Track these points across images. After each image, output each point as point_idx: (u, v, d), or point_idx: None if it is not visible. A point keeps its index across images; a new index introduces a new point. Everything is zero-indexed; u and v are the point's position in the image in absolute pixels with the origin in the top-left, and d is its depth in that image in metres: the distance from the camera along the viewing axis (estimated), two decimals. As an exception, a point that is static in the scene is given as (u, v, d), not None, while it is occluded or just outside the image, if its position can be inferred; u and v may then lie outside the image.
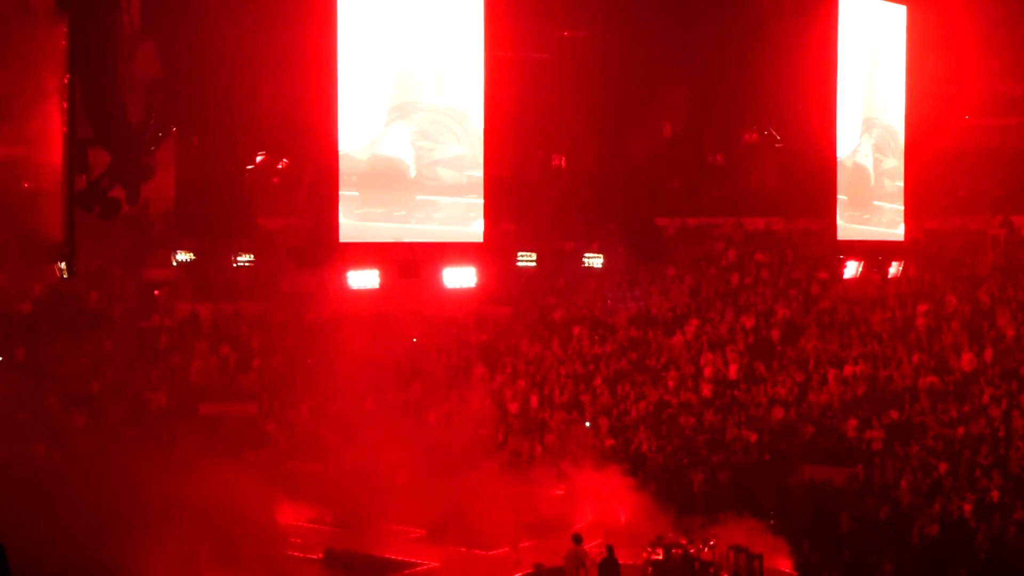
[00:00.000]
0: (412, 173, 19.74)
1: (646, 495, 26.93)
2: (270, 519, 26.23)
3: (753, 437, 28.81)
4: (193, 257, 22.45)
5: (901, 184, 25.36)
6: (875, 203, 24.90)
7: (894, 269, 25.70)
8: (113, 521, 23.66)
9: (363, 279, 19.71)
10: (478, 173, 20.46)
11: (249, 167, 21.86)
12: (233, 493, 25.66)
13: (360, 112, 19.20)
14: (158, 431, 31.35)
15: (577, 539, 22.90)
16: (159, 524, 23.97)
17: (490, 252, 21.21)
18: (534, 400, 32.44)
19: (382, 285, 19.90)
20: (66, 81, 18.80)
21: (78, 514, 23.94)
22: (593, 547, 23.32)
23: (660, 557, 23.54)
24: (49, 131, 19.27)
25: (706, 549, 23.68)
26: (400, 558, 25.70)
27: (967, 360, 28.94)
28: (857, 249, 24.62)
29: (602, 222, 25.36)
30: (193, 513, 25.25)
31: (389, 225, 19.66)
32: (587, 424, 31.33)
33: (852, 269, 24.73)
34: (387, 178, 19.53)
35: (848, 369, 29.89)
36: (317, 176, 20.23)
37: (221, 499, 25.52)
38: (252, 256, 22.05)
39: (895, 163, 25.19)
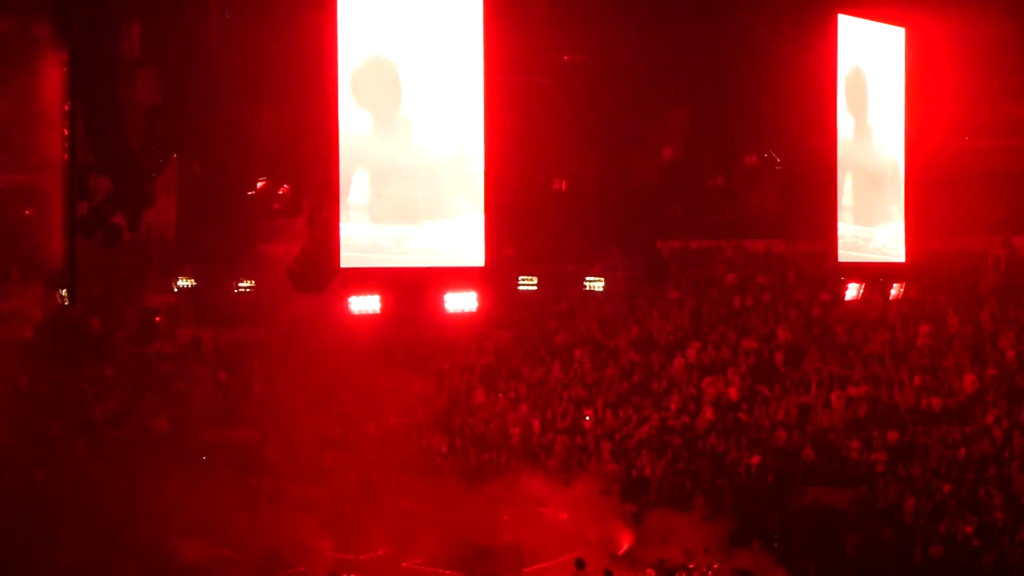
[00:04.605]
0: (411, 197, 19.72)
1: (648, 518, 26.89)
2: (272, 545, 26.19)
3: (756, 460, 28.77)
4: (194, 283, 22.50)
5: (902, 205, 25.37)
6: (876, 224, 24.90)
7: (895, 290, 25.67)
8: (111, 547, 23.64)
9: (364, 304, 19.67)
10: (479, 197, 20.46)
11: (250, 193, 21.89)
12: (235, 519, 25.65)
13: (360, 136, 19.21)
14: (160, 457, 31.31)
15: (580, 564, 22.85)
16: (159, 550, 23.95)
17: (491, 276, 21.19)
18: (536, 424, 32.39)
19: (383, 310, 19.88)
20: (67, 108, 18.83)
21: (76, 539, 23.93)
22: (595, 572, 23.26)
23: (662, 581, 23.51)
24: (50, 158, 19.30)
25: (709, 573, 23.62)
26: (403, 584, 25.69)
27: (969, 381, 28.91)
28: (858, 271, 24.60)
29: (603, 245, 25.38)
30: (194, 539, 25.26)
31: (390, 250, 19.64)
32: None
33: (853, 291, 24.71)
34: (387, 202, 19.53)
35: (851, 390, 29.86)
36: (318, 202, 20.22)
37: (223, 525, 25.51)
38: (253, 282, 22.09)
39: (895, 185, 25.20)
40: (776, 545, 25.48)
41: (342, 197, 18.91)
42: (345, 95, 18.83)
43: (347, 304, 19.54)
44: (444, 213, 20.15)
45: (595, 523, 26.70)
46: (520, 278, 25.60)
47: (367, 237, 19.26)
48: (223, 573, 24.91)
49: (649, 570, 23.82)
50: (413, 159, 19.73)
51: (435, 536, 26.47)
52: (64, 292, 19.34)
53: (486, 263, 20.58)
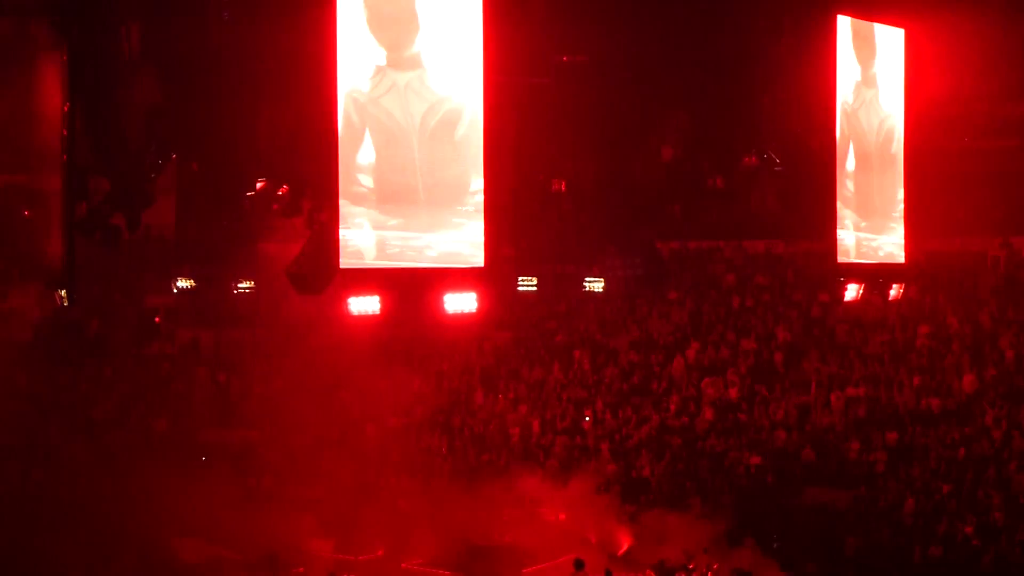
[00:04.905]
0: (411, 198, 19.72)
1: (647, 518, 26.88)
2: (271, 545, 26.18)
3: (755, 460, 28.75)
4: (193, 284, 22.48)
5: (901, 206, 25.40)
6: (875, 224, 24.91)
7: (895, 291, 25.69)
8: (110, 547, 23.64)
9: (364, 305, 19.68)
10: (478, 198, 20.47)
11: (249, 193, 21.89)
12: (234, 520, 25.62)
13: (360, 137, 19.21)
14: (159, 458, 31.27)
15: (579, 564, 22.83)
16: (158, 550, 23.93)
17: (491, 277, 21.19)
18: (535, 425, 32.37)
19: (382, 311, 19.88)
20: (66, 108, 18.83)
21: (75, 539, 23.92)
22: (594, 573, 23.25)
23: (662, 581, 23.51)
24: (50, 158, 19.28)
25: (709, 573, 23.61)
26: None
27: (968, 382, 28.90)
28: (858, 271, 24.62)
29: (603, 246, 25.38)
30: (193, 539, 25.24)
31: (390, 250, 19.64)
32: None
33: (853, 291, 24.72)
34: (387, 203, 19.53)
35: (850, 391, 29.85)
36: (317, 203, 20.23)
37: (222, 526, 25.49)
38: (252, 282, 22.08)
39: (895, 185, 25.22)
40: (775, 545, 25.46)
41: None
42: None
43: (346, 305, 19.55)
44: (442, 214, 20.11)
45: (594, 524, 26.68)
46: (520, 279, 25.60)
47: (367, 237, 19.27)
48: (222, 573, 24.89)
49: (648, 571, 23.82)
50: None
51: (434, 537, 26.45)
52: (63, 292, 19.35)
53: (486, 263, 20.59)
